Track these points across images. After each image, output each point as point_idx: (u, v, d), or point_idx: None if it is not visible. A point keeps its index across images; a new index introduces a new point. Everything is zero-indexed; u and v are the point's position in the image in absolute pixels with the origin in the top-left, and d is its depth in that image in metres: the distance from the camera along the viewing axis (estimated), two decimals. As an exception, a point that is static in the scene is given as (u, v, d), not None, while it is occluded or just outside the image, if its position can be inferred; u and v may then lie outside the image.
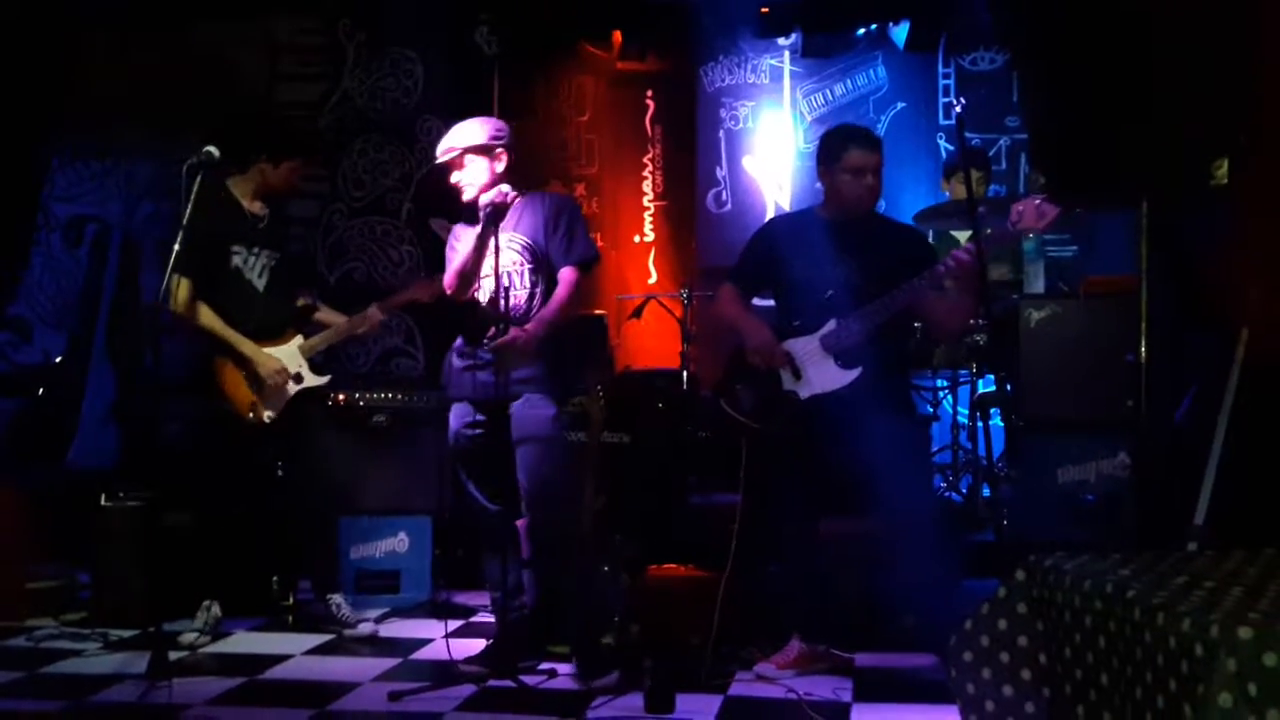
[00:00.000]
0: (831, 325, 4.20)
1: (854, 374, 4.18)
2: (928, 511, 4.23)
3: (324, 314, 5.10)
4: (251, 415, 4.76)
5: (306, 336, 4.94)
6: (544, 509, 4.28)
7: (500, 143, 4.35)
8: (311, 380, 4.91)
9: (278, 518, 5.03)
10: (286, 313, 4.95)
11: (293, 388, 4.85)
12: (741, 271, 4.56)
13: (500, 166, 4.35)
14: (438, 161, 4.38)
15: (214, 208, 4.78)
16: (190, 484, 5.04)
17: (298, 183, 5.15)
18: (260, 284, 4.87)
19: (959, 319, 4.40)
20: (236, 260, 4.83)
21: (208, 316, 4.75)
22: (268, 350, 4.82)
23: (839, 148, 4.25)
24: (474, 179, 4.33)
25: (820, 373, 4.22)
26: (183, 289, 4.71)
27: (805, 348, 4.25)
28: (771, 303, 4.57)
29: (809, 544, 4.32)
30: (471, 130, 4.37)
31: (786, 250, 4.35)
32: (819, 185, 4.41)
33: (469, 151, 4.33)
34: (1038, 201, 3.96)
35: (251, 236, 4.86)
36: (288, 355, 4.86)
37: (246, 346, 4.77)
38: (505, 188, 4.29)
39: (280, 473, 5.03)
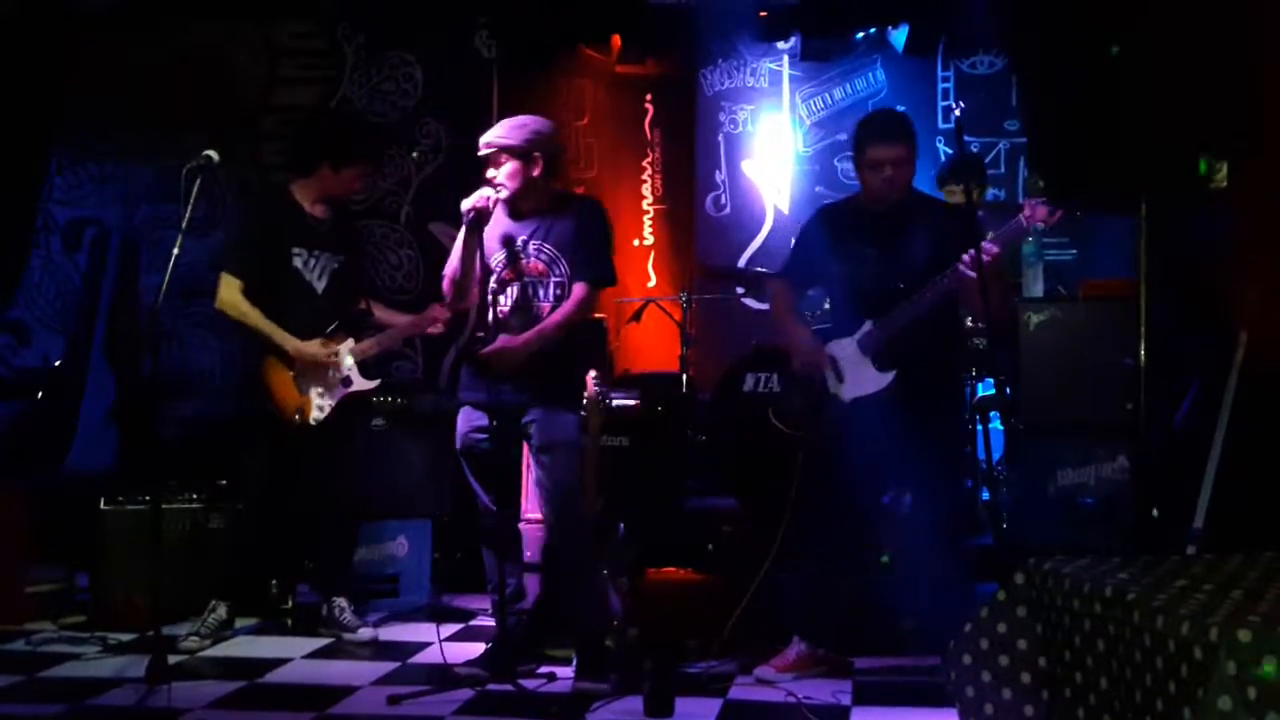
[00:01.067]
0: (868, 327, 4.18)
1: (890, 377, 4.15)
2: (947, 523, 4.20)
3: (383, 314, 5.09)
4: (298, 418, 4.74)
5: (360, 340, 4.93)
6: (563, 513, 4.27)
7: (534, 146, 4.25)
8: (360, 384, 4.90)
9: (299, 520, 4.99)
10: (343, 315, 4.91)
11: (341, 391, 4.85)
12: (793, 266, 4.50)
13: (535, 171, 4.26)
14: (480, 154, 4.28)
15: (276, 210, 4.83)
16: (229, 484, 5.12)
17: (358, 188, 5.17)
18: (319, 286, 4.86)
19: (1000, 307, 4.28)
20: (297, 262, 4.81)
21: (249, 312, 4.71)
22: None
23: (861, 142, 4.20)
24: (507, 179, 4.25)
25: (859, 375, 4.20)
26: (226, 286, 4.72)
27: (845, 350, 4.23)
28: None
29: (853, 549, 4.32)
30: (511, 129, 4.27)
31: (835, 242, 4.29)
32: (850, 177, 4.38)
33: (504, 150, 4.25)
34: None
35: (313, 239, 4.85)
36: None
37: (288, 341, 4.72)
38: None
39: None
